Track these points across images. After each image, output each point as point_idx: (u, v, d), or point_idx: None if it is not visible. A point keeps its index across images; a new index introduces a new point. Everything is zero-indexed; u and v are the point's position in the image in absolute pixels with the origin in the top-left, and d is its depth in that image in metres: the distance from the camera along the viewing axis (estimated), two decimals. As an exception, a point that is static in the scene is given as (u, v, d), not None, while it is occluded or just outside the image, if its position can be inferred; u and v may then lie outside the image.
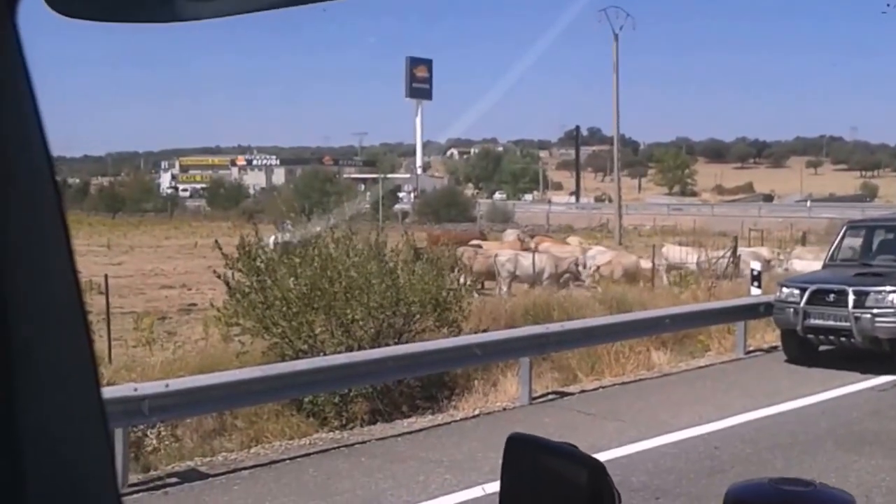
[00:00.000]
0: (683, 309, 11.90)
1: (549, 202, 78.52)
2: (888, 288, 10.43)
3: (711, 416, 8.32)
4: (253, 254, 9.41)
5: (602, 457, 7.13)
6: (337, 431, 8.03)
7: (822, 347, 11.21)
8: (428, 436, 7.97)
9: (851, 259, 12.30)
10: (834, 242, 12.90)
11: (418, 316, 9.73)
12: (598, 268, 19.58)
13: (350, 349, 8.68)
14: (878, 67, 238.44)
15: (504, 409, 8.99)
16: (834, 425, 8.03)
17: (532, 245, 22.39)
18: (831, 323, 10.68)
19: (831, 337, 10.81)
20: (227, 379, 7.21)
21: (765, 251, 21.62)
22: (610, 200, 60.70)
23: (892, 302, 10.32)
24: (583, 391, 9.84)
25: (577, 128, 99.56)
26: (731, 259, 19.48)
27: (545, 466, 1.15)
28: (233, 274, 9.42)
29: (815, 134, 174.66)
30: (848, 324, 10.47)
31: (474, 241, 22.75)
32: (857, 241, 12.77)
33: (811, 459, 6.92)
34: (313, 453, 7.40)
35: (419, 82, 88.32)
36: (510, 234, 27.09)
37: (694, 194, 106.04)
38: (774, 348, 11.90)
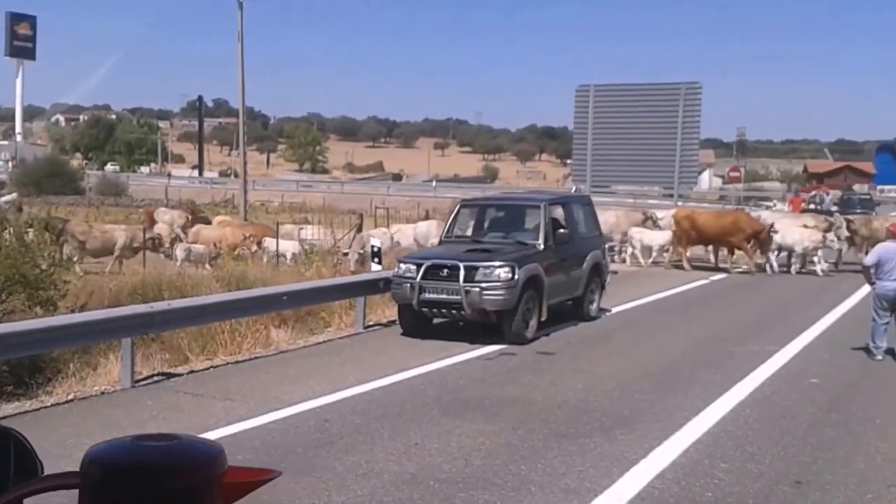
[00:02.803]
0: (302, 286, 12.26)
1: (169, 175, 76.26)
2: (496, 263, 11.72)
3: (325, 391, 8.74)
4: None
5: (207, 436, 7.12)
6: None
7: (436, 320, 12.30)
8: (12, 423, 7.24)
9: (464, 236, 13.65)
10: (448, 220, 14.18)
11: (4, 295, 8.97)
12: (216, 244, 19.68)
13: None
14: (502, 56, 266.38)
15: (103, 392, 8.66)
16: (441, 393, 8.87)
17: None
18: (444, 297, 11.74)
19: (444, 310, 11.88)
20: None
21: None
22: (236, 175, 60.24)
23: (499, 276, 11.61)
24: (192, 372, 9.75)
25: (200, 98, 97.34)
26: (356, 235, 20.44)
27: None
28: None
29: (442, 116, 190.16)
30: (459, 297, 11.59)
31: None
32: (469, 219, 14.19)
33: (416, 427, 7.56)
34: None
35: (21, 40, 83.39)
36: (165, 214, 26.40)
37: (325, 171, 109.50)
38: (393, 322, 12.79)
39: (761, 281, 20.14)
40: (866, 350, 11.11)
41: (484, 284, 11.55)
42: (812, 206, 43.85)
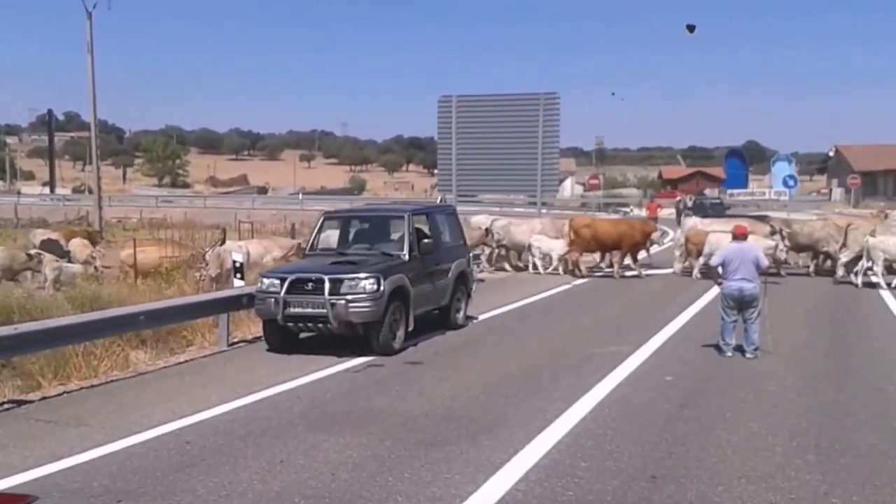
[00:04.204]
0: (161, 304, 11.86)
1: (19, 193, 72.59)
2: (361, 275, 11.71)
3: (185, 412, 8.50)
4: None
5: (62, 465, 6.77)
6: None
7: (302, 335, 12.17)
8: None
9: (329, 248, 13.58)
10: (313, 233, 14.08)
11: None
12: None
13: None
14: (366, 68, 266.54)
15: (-54, 426, 8.09)
16: (307, 408, 8.78)
17: None
18: (310, 311, 11.63)
19: (310, 324, 11.77)
20: None
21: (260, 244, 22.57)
22: (90, 191, 57.83)
23: (364, 288, 11.60)
24: (45, 398, 9.33)
25: (50, 111, 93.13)
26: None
27: None
28: None
29: (307, 128, 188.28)
30: (325, 310, 11.52)
31: None
32: (334, 232, 14.13)
33: (282, 444, 7.47)
34: None
35: None
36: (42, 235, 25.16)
37: (186, 185, 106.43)
38: (258, 339, 12.57)
39: (621, 284, 20.96)
40: (717, 347, 11.73)
41: (350, 297, 11.52)
42: (678, 210, 46.05)
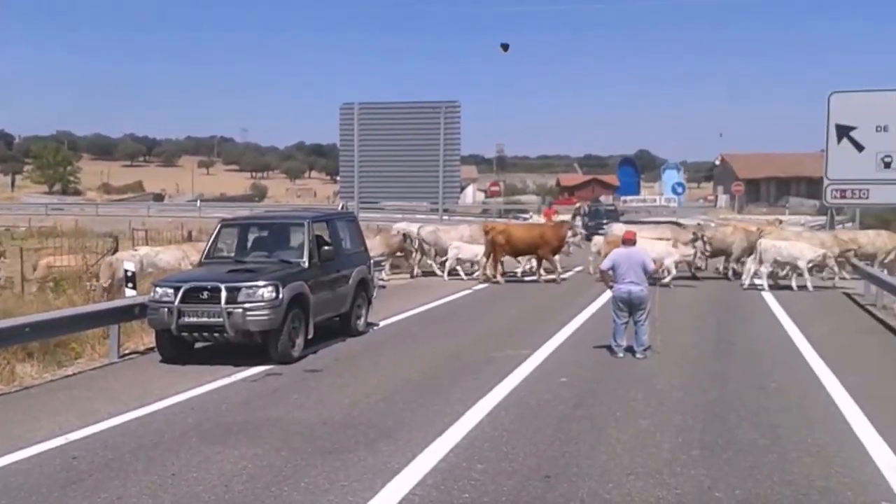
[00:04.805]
0: (47, 315, 11.36)
1: None
2: (260, 283, 11.52)
3: (73, 426, 8.17)
4: None
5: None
6: None
7: (198, 345, 11.88)
8: None
9: (226, 256, 13.32)
10: (209, 241, 13.77)
11: None
12: None
13: None
14: (268, 73, 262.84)
15: None
16: (202, 420, 8.57)
17: None
18: (205, 320, 11.37)
19: (205, 334, 11.49)
20: None
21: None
22: (-25, 198, 55.12)
23: (262, 296, 11.41)
24: (-80, 417, 8.77)
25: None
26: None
27: None
28: None
29: (206, 134, 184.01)
30: (221, 319, 11.27)
31: None
32: (231, 239, 13.86)
33: (174, 457, 7.26)
34: None
35: None
36: None
37: (78, 193, 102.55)
38: (152, 350, 12.20)
39: (521, 288, 21.26)
40: (609, 349, 12.03)
41: (247, 305, 11.32)
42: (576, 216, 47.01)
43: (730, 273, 22.87)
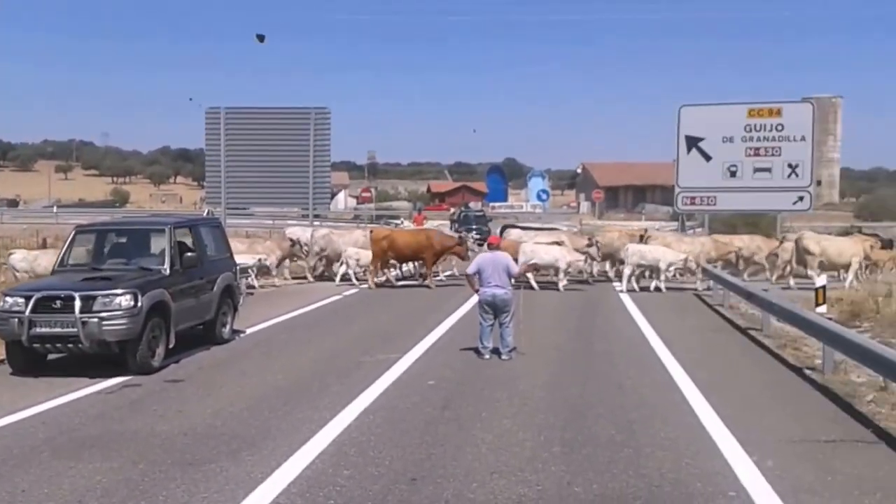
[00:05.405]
0: None
1: None
2: (117, 291, 11.01)
3: None
4: None
5: None
6: None
7: (52, 356, 11.25)
8: None
9: (82, 264, 12.66)
10: (63, 248, 13.07)
11: None
12: None
13: None
14: (129, 77, 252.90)
15: None
16: (54, 434, 8.10)
17: None
18: (59, 330, 10.78)
19: (59, 345, 10.91)
20: None
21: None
22: None
23: (120, 304, 10.91)
24: None
25: None
26: None
27: None
28: None
29: (64, 138, 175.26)
30: (75, 329, 10.71)
31: None
32: (88, 246, 13.19)
33: (23, 473, 6.83)
34: None
35: None
36: None
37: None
38: (1, 362, 11.46)
39: (391, 293, 21.23)
40: (476, 351, 12.16)
41: (104, 314, 10.80)
42: (451, 222, 47.48)
43: (612, 274, 23.93)
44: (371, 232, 23.88)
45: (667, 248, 22.18)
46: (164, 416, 8.86)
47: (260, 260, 21.97)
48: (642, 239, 23.63)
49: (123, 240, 13.37)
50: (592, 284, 22.81)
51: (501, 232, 27.99)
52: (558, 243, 22.68)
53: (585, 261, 22.44)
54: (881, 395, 9.52)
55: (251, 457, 7.31)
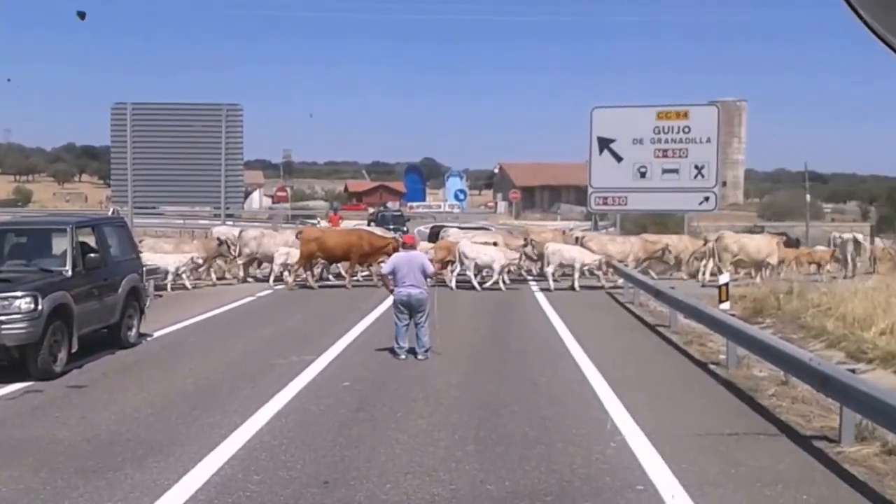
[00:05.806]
0: None
1: None
2: (17, 293, 10.56)
3: None
4: None
5: None
6: None
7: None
8: None
9: (-22, 265, 12.11)
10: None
11: None
12: None
13: None
14: (33, 72, 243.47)
15: None
16: (-54, 444, 7.73)
17: None
18: (-48, 335, 10.29)
19: (-42, 350, 10.42)
20: None
21: None
22: None
23: (19, 307, 10.48)
24: None
25: None
26: None
27: None
28: None
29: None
30: (-20, 333, 10.25)
31: None
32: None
33: None
34: None
35: None
36: None
37: None
38: None
39: (306, 294, 20.97)
40: (391, 351, 12.11)
41: (2, 318, 10.36)
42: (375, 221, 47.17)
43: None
44: (300, 232, 23.54)
45: (602, 247, 22.83)
46: (66, 422, 8.54)
47: (192, 259, 21.50)
48: (578, 241, 23.96)
49: (23, 240, 12.86)
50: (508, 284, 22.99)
51: (439, 232, 27.99)
52: (493, 244, 22.86)
53: (520, 259, 22.67)
54: (782, 388, 9.89)
55: (157, 463, 7.10)
